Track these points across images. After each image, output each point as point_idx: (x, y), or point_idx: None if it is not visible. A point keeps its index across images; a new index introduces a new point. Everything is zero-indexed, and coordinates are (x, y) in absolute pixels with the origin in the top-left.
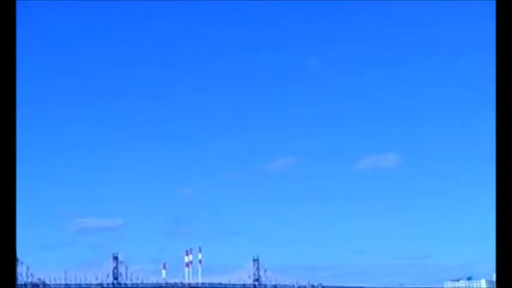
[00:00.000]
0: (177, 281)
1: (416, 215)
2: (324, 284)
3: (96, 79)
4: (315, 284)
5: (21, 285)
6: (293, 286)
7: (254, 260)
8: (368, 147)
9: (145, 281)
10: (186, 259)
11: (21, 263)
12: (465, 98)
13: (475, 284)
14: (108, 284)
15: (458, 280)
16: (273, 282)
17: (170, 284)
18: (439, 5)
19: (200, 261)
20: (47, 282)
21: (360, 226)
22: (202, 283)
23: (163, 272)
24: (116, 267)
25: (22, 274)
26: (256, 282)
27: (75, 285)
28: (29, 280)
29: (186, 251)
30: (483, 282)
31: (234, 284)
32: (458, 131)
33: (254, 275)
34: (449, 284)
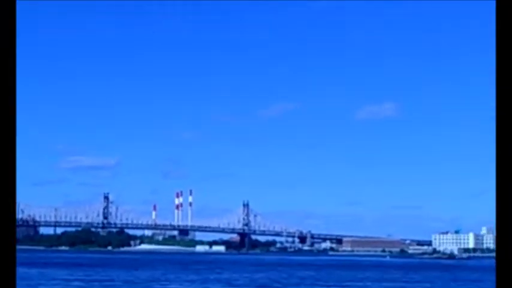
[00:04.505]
0: (167, 223)
1: (410, 166)
2: (313, 232)
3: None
4: (304, 232)
5: None
6: (282, 232)
7: (244, 205)
8: (367, 97)
9: (135, 222)
10: (177, 201)
11: None
12: (467, 47)
13: (462, 238)
14: (98, 224)
15: (446, 233)
16: (262, 228)
17: (159, 225)
18: None
19: (190, 204)
20: (37, 219)
21: (354, 175)
22: (191, 226)
23: (154, 213)
24: (106, 207)
25: None
26: (245, 227)
27: (65, 223)
28: (19, 216)
29: (177, 193)
30: (471, 236)
31: (224, 228)
32: (457, 86)
33: (244, 219)
34: (437, 236)
